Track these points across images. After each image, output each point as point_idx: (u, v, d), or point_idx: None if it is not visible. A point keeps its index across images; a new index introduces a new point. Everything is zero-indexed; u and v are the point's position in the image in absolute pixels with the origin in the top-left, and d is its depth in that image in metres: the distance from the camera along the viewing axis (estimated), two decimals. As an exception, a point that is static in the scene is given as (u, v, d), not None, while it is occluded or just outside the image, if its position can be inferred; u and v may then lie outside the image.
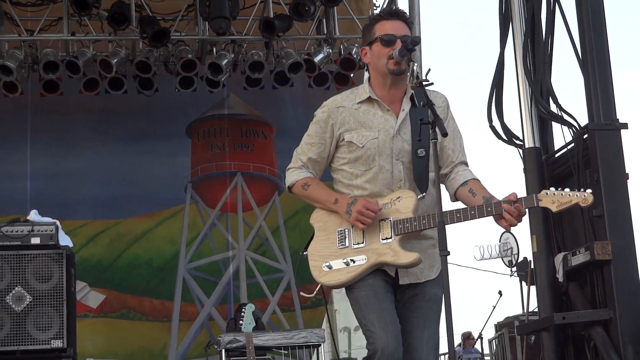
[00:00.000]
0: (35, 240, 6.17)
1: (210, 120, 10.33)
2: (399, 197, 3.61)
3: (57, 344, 5.95)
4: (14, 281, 6.04)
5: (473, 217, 3.50)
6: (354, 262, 3.57)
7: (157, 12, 9.11)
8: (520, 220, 3.47)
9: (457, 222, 3.53)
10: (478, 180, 3.74)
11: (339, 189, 3.79)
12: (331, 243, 3.68)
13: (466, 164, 3.82)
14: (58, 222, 6.37)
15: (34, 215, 6.49)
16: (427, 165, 3.62)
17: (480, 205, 3.49)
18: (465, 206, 3.60)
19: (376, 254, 3.56)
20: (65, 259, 6.13)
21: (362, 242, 3.60)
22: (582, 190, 3.55)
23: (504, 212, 3.40)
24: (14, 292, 6.01)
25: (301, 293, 8.25)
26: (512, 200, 3.40)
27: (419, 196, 3.59)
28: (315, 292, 3.89)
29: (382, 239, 3.57)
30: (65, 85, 9.20)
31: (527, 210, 3.52)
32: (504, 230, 9.95)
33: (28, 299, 6.00)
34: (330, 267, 3.60)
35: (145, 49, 9.18)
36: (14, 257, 6.08)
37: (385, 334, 3.43)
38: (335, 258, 3.61)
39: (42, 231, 6.22)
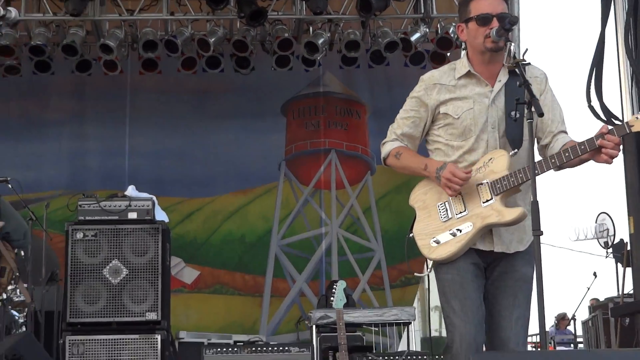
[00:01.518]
0: (132, 215, 6.39)
1: (305, 99, 10.41)
2: (491, 159, 3.64)
3: (151, 316, 6.15)
4: (111, 254, 6.24)
5: (568, 159, 3.47)
6: (461, 231, 3.62)
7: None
8: (618, 150, 3.43)
9: (552, 167, 3.53)
10: (574, 141, 3.63)
11: (434, 157, 3.84)
12: (434, 219, 3.73)
13: (566, 132, 3.78)
14: (155, 198, 6.58)
15: (131, 191, 6.70)
16: (521, 127, 3.63)
17: (574, 145, 3.47)
18: (559, 153, 3.55)
19: (481, 217, 3.60)
20: (161, 234, 6.32)
21: (465, 210, 3.65)
22: None
23: (598, 145, 3.38)
24: (111, 265, 6.21)
25: (415, 274, 8.39)
26: (604, 132, 3.38)
27: (510, 153, 3.62)
28: (428, 271, 4.03)
29: (483, 202, 3.61)
30: (163, 64, 9.42)
31: (621, 138, 3.42)
32: (603, 212, 9.89)
33: (124, 272, 6.20)
34: (438, 241, 3.65)
35: (242, 28, 9.24)
36: (112, 231, 6.29)
37: (464, 324, 3.50)
38: (442, 231, 3.66)
39: (139, 206, 6.42)
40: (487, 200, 3.63)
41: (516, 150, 3.66)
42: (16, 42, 9.13)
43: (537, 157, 3.67)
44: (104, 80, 9.72)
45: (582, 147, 3.46)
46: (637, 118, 3.49)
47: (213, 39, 9.18)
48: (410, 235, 3.81)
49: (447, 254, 3.66)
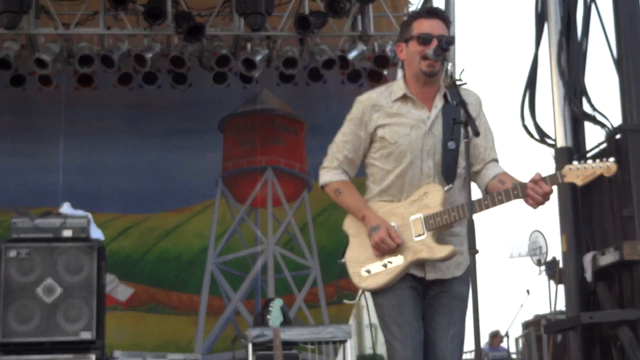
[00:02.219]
0: (67, 233, 6.32)
1: (242, 116, 10.42)
2: (426, 193, 3.67)
3: (86, 335, 6.09)
4: (45, 273, 6.17)
5: (501, 202, 3.54)
6: (392, 263, 3.64)
7: (193, 8, 9.14)
8: (547, 199, 3.51)
9: (485, 209, 3.58)
10: (507, 173, 3.76)
11: (369, 185, 3.88)
12: (366, 248, 3.73)
13: (497, 161, 3.86)
14: (90, 215, 6.51)
15: (66, 208, 6.65)
16: (456, 158, 3.69)
17: (507, 189, 3.55)
18: (490, 193, 3.66)
19: (412, 252, 3.63)
20: (97, 252, 6.26)
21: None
22: (604, 159, 3.58)
23: (529, 190, 3.46)
24: (44, 283, 6.14)
25: (345, 301, 8.47)
26: (537, 179, 3.46)
27: (445, 188, 3.66)
28: (358, 298, 4.09)
29: (416, 236, 3.64)
30: (99, 79, 9.35)
31: (552, 188, 3.51)
32: (535, 230, 10.11)
33: (59, 291, 6.13)
34: (369, 271, 3.69)
35: (180, 44, 9.26)
36: (46, 249, 6.23)
37: (404, 348, 3.54)
38: (373, 262, 3.69)
39: (74, 224, 6.35)
40: (419, 235, 3.67)
41: (451, 185, 3.70)
42: None
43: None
44: (39, 95, 9.63)
45: (515, 192, 3.54)
46: (570, 169, 3.62)
47: (150, 55, 9.13)
48: (342, 260, 3.86)
49: (376, 284, 3.71)
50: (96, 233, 6.57)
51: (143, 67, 9.23)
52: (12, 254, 6.21)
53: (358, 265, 3.77)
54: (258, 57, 9.36)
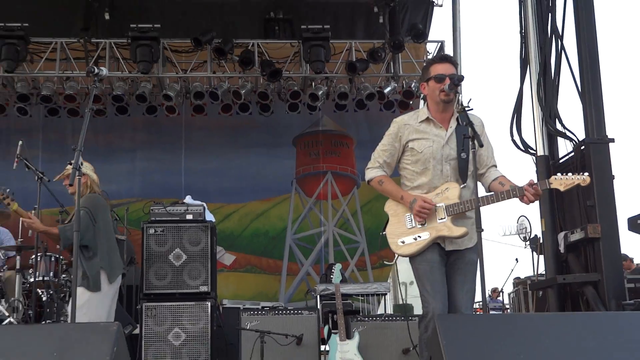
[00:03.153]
0: (189, 217, 6.42)
1: (309, 135, 10.37)
2: (447, 188, 3.77)
3: (204, 288, 6.18)
4: (174, 245, 6.25)
5: (502, 199, 3.70)
6: (420, 237, 3.74)
7: (273, 57, 9.18)
8: (537, 198, 3.68)
9: (491, 203, 3.72)
10: (505, 176, 3.88)
11: (404, 183, 3.93)
12: (402, 225, 3.82)
13: (496, 166, 3.95)
14: (205, 205, 6.60)
15: (188, 199, 6.72)
16: (467, 164, 3.75)
17: (508, 190, 3.69)
18: (494, 193, 3.79)
19: (435, 230, 3.72)
20: (210, 230, 6.35)
21: (425, 223, 3.76)
22: (581, 173, 3.73)
23: (525, 192, 3.60)
24: (174, 252, 6.22)
25: (385, 262, 8.47)
26: (531, 184, 3.59)
27: (461, 186, 3.77)
28: (394, 262, 4.21)
29: (439, 219, 3.73)
30: (208, 108, 9.40)
31: (541, 190, 3.67)
32: (522, 215, 10.01)
33: (184, 257, 6.21)
34: (403, 242, 3.78)
35: (264, 83, 9.28)
36: (175, 228, 6.30)
37: (434, 300, 3.60)
38: (407, 235, 3.79)
39: (194, 210, 6.46)
40: (442, 219, 3.76)
41: (465, 184, 3.80)
42: (102, 92, 9.18)
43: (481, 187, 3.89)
44: (166, 120, 9.69)
45: (514, 193, 3.70)
46: (555, 178, 3.73)
47: (244, 91, 9.22)
48: (383, 233, 3.93)
49: (408, 252, 3.80)
50: (209, 217, 6.62)
51: (239, 99, 9.31)
52: (151, 231, 6.29)
53: (395, 237, 3.86)
54: (320, 92, 9.37)
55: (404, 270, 9.30)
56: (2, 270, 6.88)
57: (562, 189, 3.73)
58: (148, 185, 9.61)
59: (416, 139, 3.86)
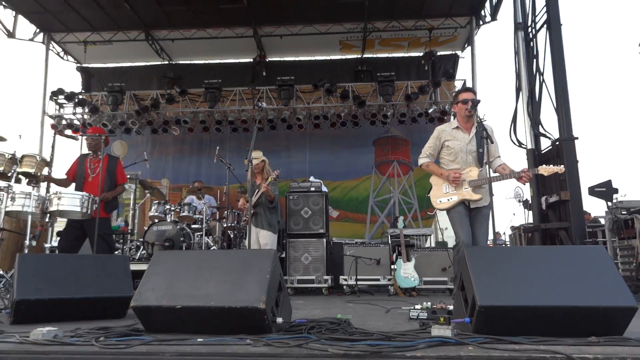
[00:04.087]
0: (312, 188, 6.39)
1: (383, 139, 10.21)
2: (470, 170, 3.73)
3: (322, 231, 6.17)
4: (304, 205, 6.24)
5: (505, 178, 3.63)
6: (452, 199, 3.73)
7: (360, 93, 9.19)
8: (530, 179, 3.62)
9: (497, 180, 3.66)
10: (505, 163, 3.78)
11: (442, 165, 3.89)
12: (440, 191, 3.81)
13: (500, 157, 3.85)
14: (321, 181, 6.60)
15: (312, 178, 6.76)
16: (482, 156, 3.69)
17: (509, 172, 3.62)
18: (500, 174, 3.69)
19: (461, 195, 3.70)
20: (324, 196, 6.33)
21: (454, 190, 3.73)
22: (559, 165, 3.66)
23: (522, 175, 3.54)
24: (304, 209, 6.22)
25: (428, 212, 8.35)
26: (525, 170, 3.53)
27: (479, 169, 3.72)
28: (434, 212, 4.19)
29: (464, 188, 3.71)
30: (322, 125, 9.39)
31: (532, 175, 3.59)
32: (517, 186, 9.73)
33: (310, 212, 6.19)
34: (441, 201, 3.78)
35: (355, 109, 9.19)
36: (304, 195, 6.30)
37: (463, 235, 3.60)
38: (443, 197, 3.77)
39: (315, 185, 6.44)
40: (466, 188, 3.73)
41: (482, 168, 3.74)
42: (262, 118, 9.19)
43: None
44: (297, 132, 9.77)
45: (514, 174, 3.63)
46: (541, 167, 3.63)
47: (343, 114, 9.27)
48: (428, 196, 3.96)
49: (444, 207, 3.77)
50: (324, 188, 6.61)
51: (339, 119, 9.33)
52: (291, 197, 6.32)
53: (436, 198, 3.84)
54: (389, 113, 9.28)
55: (441, 220, 9.23)
56: (209, 220, 7.11)
57: (546, 174, 3.64)
58: (289, 171, 9.69)
59: (450, 140, 3.82)
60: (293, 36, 9.59)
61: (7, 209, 3.74)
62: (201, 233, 6.54)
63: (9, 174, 3.77)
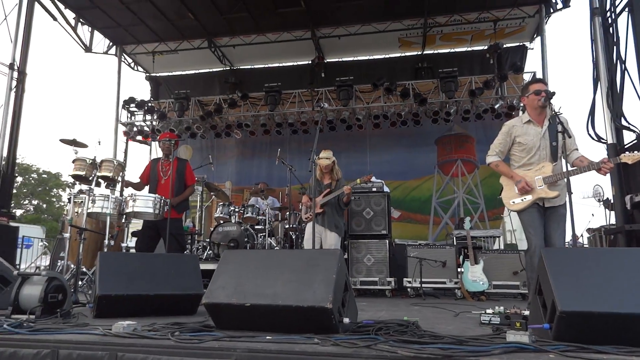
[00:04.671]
0: (374, 189, 6.32)
1: (446, 137, 9.97)
2: (543, 166, 3.54)
3: (384, 232, 6.12)
4: (365, 205, 6.20)
5: (584, 171, 3.39)
6: (525, 198, 3.54)
7: (421, 91, 8.98)
8: (611, 170, 3.32)
9: (576, 174, 3.43)
10: (583, 155, 3.55)
11: (512, 163, 3.73)
12: (512, 191, 3.63)
13: (577, 149, 3.62)
14: (383, 181, 6.53)
15: (373, 178, 6.42)
16: (557, 150, 3.51)
17: (588, 164, 3.39)
18: (577, 167, 3.46)
19: (536, 193, 3.51)
20: (387, 197, 6.28)
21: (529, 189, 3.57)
22: None
23: (602, 166, 3.31)
24: (366, 210, 6.17)
25: (499, 214, 8.05)
26: (605, 160, 3.30)
27: (553, 164, 3.52)
28: (504, 215, 4.04)
29: (539, 186, 3.52)
30: (382, 124, 9.26)
31: (614, 164, 3.33)
32: (597, 184, 9.11)
33: (372, 213, 6.16)
34: (514, 202, 3.60)
35: (416, 107, 9.02)
36: (366, 196, 6.27)
37: (536, 238, 3.42)
38: (516, 197, 3.60)
39: (377, 185, 6.36)
40: (540, 186, 3.53)
41: (557, 162, 3.55)
42: (321, 119, 9.21)
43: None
44: (358, 132, 9.76)
45: (593, 166, 3.38)
46: (624, 155, 3.37)
47: (403, 112, 9.11)
48: (499, 197, 3.74)
49: (518, 208, 3.59)
50: (386, 189, 6.58)
51: (400, 118, 9.20)
52: (353, 198, 6.24)
53: (508, 199, 3.66)
54: (452, 110, 9.03)
55: (509, 222, 8.86)
56: (271, 221, 7.26)
57: (630, 162, 3.35)
58: (348, 172, 9.67)
59: (522, 135, 3.65)
60: (351, 36, 9.59)
61: (89, 211, 4.03)
62: (264, 234, 6.69)
63: (90, 178, 4.07)
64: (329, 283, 2.44)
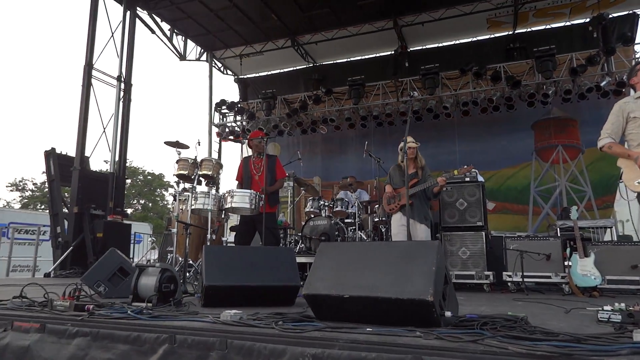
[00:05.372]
0: (467, 179, 5.92)
1: (543, 121, 9.30)
2: None
3: (480, 223, 5.76)
4: (458, 196, 5.92)
5: None
6: None
7: (514, 73, 8.51)
8: None
9: None
10: None
11: (629, 144, 3.48)
12: (633, 171, 3.37)
13: None
14: (477, 171, 6.07)
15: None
16: None
17: None
18: None
19: None
20: (481, 187, 5.91)
21: None
22: None
23: None
24: (459, 201, 5.88)
25: (623, 198, 7.40)
26: None
27: None
28: (617, 199, 3.74)
29: None
30: (472, 111, 8.97)
31: None
32: None
33: (465, 204, 5.85)
34: (639, 182, 3.35)
35: (508, 90, 8.57)
36: (458, 186, 5.91)
37: None
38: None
39: (470, 175, 5.92)
40: None
41: None
42: (405, 109, 9.02)
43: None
44: (446, 121, 9.33)
45: None
46: None
47: (495, 97, 8.68)
48: (620, 182, 3.46)
49: None
50: (480, 178, 6.20)
51: (491, 104, 8.77)
52: (445, 189, 5.86)
53: (631, 180, 3.38)
54: (550, 91, 8.42)
55: (620, 211, 8.06)
56: (361, 214, 7.23)
57: None
58: (436, 162, 9.30)
59: (636, 110, 3.40)
60: (435, 22, 9.28)
61: (192, 207, 4.33)
62: (354, 227, 6.72)
63: (192, 177, 4.37)
64: (428, 275, 2.39)
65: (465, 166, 4.95)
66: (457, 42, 9.99)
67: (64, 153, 8.21)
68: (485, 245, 5.81)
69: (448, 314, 2.40)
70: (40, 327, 2.68)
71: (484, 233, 5.83)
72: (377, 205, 6.66)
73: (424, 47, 10.24)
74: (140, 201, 29.42)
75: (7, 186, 26.98)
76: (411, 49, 10.17)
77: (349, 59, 10.91)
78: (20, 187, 26.98)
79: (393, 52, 10.13)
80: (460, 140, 9.68)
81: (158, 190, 29.68)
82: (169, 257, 5.34)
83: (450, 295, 2.60)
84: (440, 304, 2.40)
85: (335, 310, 2.57)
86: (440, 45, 10.15)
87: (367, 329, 2.28)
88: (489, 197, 8.99)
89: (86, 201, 7.71)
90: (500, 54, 9.27)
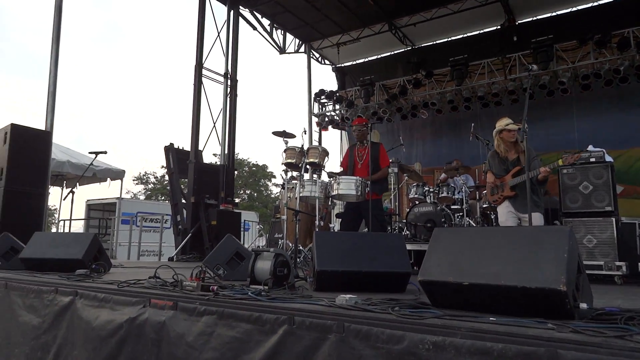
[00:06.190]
0: (592, 159, 5.27)
1: None
2: None
3: (608, 208, 5.13)
4: (582, 179, 5.26)
5: None
6: None
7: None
8: None
9: None
10: None
11: None
12: None
13: None
14: (604, 150, 5.53)
15: (591, 147, 5.79)
16: None
17: None
18: None
19: None
20: (610, 168, 5.16)
21: None
22: None
23: None
24: (582, 184, 5.25)
25: None
26: None
27: None
28: None
29: None
30: (593, 85, 8.05)
31: None
32: None
33: (590, 187, 5.20)
34: None
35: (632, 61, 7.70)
36: (582, 167, 5.27)
37: None
38: None
39: (596, 155, 5.31)
40: None
41: None
42: (516, 87, 8.50)
43: None
44: (560, 98, 8.52)
45: None
46: None
47: (622, 67, 7.73)
48: None
49: None
50: (608, 158, 5.49)
51: (618, 75, 7.75)
52: (564, 171, 5.33)
53: None
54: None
55: None
56: (468, 200, 6.96)
57: None
58: (550, 142, 8.63)
59: None
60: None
61: (300, 195, 4.47)
62: (461, 214, 6.46)
63: (300, 165, 4.50)
64: (559, 263, 2.20)
65: (573, 154, 4.41)
66: (574, 9, 9.03)
67: (180, 147, 8.95)
68: (616, 232, 5.21)
69: (583, 305, 2.20)
70: (173, 305, 2.96)
71: (613, 219, 5.21)
72: (485, 191, 6.32)
73: (535, 18, 9.42)
74: (246, 191, 31.22)
75: (133, 180, 30.28)
76: (520, 21, 9.43)
77: (450, 38, 10.45)
78: (144, 181, 30.20)
79: (499, 27, 9.47)
80: (580, 117, 8.77)
81: (262, 180, 31.25)
82: (280, 243, 5.59)
83: (584, 285, 2.38)
84: (573, 294, 2.21)
85: (453, 298, 2.49)
86: (554, 14, 9.26)
87: (491, 318, 2.18)
88: (617, 181, 7.99)
89: (201, 192, 8.36)
90: (629, 18, 8.11)
